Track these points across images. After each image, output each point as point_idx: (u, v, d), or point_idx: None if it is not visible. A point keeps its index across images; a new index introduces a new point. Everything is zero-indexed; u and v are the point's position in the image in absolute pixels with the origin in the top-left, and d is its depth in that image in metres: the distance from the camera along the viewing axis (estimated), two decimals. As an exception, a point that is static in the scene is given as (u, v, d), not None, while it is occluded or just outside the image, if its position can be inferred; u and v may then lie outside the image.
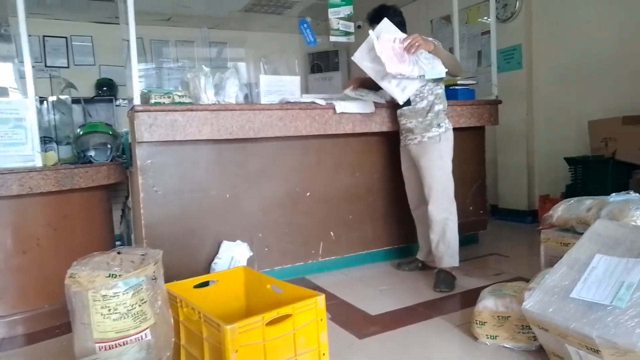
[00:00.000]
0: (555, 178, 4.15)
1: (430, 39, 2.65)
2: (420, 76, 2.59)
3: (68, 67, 6.00)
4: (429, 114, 2.74)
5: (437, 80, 2.75)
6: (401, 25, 2.75)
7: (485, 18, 4.73)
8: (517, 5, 4.43)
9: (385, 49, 2.56)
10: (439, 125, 2.74)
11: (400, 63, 2.56)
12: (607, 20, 3.82)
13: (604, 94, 3.85)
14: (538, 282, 1.81)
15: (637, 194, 2.18)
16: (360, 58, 2.69)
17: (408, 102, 2.79)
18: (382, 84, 2.68)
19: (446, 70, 2.62)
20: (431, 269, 2.92)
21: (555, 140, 4.29)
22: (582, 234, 1.93)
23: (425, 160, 2.76)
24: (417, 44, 2.54)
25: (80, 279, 1.60)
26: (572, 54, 4.12)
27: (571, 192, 3.58)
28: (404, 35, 2.61)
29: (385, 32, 2.60)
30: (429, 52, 2.59)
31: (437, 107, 2.76)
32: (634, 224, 1.92)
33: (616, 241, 1.78)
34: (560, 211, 2.33)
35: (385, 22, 2.64)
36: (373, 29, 2.66)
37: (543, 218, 2.43)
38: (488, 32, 4.00)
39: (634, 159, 3.29)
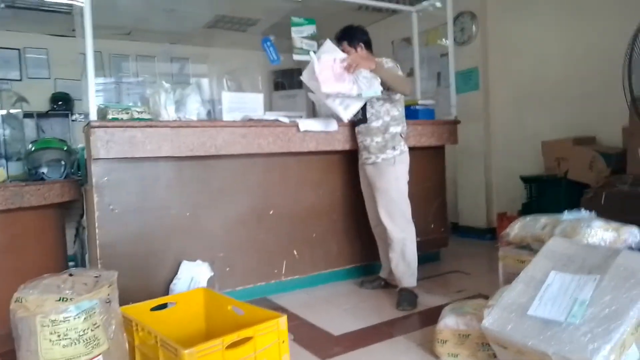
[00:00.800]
0: (513, 196, 4.29)
1: (384, 59, 2.75)
2: (358, 94, 2.64)
3: (21, 80, 5.76)
4: (385, 135, 2.77)
5: (394, 103, 2.80)
6: (367, 43, 2.85)
7: (444, 40, 4.88)
8: (474, 29, 4.61)
9: (325, 69, 2.63)
10: (393, 148, 2.77)
11: (338, 82, 2.63)
12: (558, 45, 4.02)
13: (556, 115, 4.03)
14: (497, 299, 1.84)
15: (588, 212, 2.27)
16: (307, 78, 2.74)
17: (365, 120, 2.83)
18: (327, 102, 2.71)
19: (382, 89, 2.66)
20: (394, 286, 2.93)
21: (512, 159, 4.45)
22: (538, 251, 1.99)
23: (381, 182, 2.79)
24: (355, 64, 2.59)
25: (28, 303, 1.51)
26: (526, 76, 4.30)
27: (527, 209, 3.70)
28: (344, 55, 2.67)
29: (326, 53, 2.68)
30: (371, 70, 2.63)
31: (392, 129, 2.78)
32: (586, 241, 2.00)
33: (569, 258, 1.84)
34: (516, 229, 2.39)
35: (327, 44, 2.73)
36: (341, 46, 2.76)
37: (501, 236, 2.50)
38: (447, 54, 4.13)
39: (584, 179, 3.44)
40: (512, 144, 4.47)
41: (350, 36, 2.81)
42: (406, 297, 2.73)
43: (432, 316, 2.32)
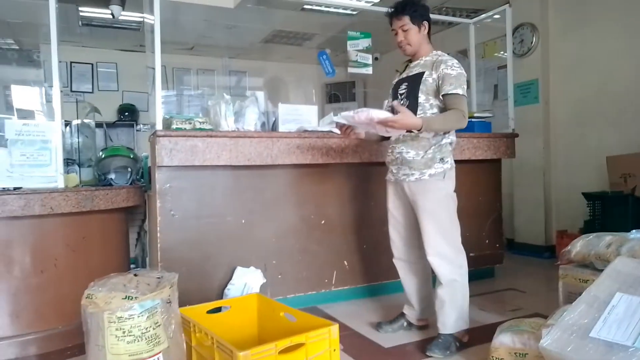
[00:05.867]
0: (573, 213, 4.10)
1: (447, 60, 2.30)
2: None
3: (92, 92, 6.20)
4: (432, 147, 2.30)
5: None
6: (429, 24, 2.38)
7: (502, 52, 4.78)
8: (534, 40, 4.48)
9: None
10: (442, 160, 2.30)
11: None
12: (624, 55, 3.84)
13: (623, 129, 3.83)
14: (556, 319, 1.77)
15: (659, 232, 2.15)
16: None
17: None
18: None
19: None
20: (419, 328, 2.59)
21: (573, 174, 4.26)
22: (601, 270, 1.90)
23: (428, 201, 2.30)
24: (400, 127, 2.13)
25: (97, 299, 1.61)
26: (589, 88, 4.13)
27: (589, 228, 3.52)
28: (382, 115, 2.11)
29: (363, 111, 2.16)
30: (419, 130, 2.17)
31: (443, 140, 2.32)
32: (656, 262, 1.88)
33: (636, 279, 1.74)
34: (578, 247, 2.29)
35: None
36: (398, 20, 2.33)
37: (561, 253, 2.39)
38: (505, 66, 4.05)
39: (654, 196, 3.25)
40: (573, 159, 4.28)
41: (414, 10, 2.31)
42: (442, 343, 2.27)
43: (486, 333, 2.25)
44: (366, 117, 2.10)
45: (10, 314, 2.34)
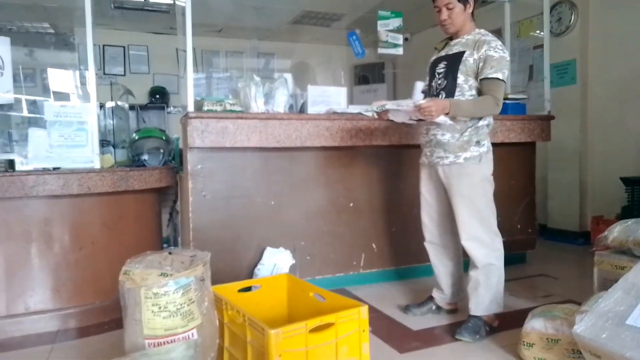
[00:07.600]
0: (610, 198, 3.98)
1: (490, 40, 2.21)
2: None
3: (124, 75, 6.31)
4: (469, 129, 2.25)
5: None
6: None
7: (538, 32, 4.61)
8: (573, 19, 4.30)
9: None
10: (478, 143, 2.25)
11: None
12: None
13: (666, 112, 3.68)
14: (591, 305, 1.73)
15: (702, 218, 2.06)
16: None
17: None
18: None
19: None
20: (449, 311, 2.58)
21: (611, 158, 4.12)
22: (639, 257, 1.84)
23: (463, 186, 2.26)
24: (429, 114, 2.11)
25: (134, 276, 1.66)
26: (630, 68, 3.95)
27: (627, 213, 3.42)
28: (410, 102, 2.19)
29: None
30: (447, 114, 2.15)
31: (480, 122, 2.25)
32: (699, 249, 1.82)
33: (678, 267, 1.69)
34: (616, 232, 2.23)
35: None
36: None
37: (597, 239, 2.33)
38: (540, 46, 3.91)
39: (698, 181, 3.11)
40: (611, 143, 4.13)
41: None
42: (472, 327, 2.25)
43: (517, 319, 2.23)
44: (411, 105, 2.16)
45: (51, 289, 2.44)
